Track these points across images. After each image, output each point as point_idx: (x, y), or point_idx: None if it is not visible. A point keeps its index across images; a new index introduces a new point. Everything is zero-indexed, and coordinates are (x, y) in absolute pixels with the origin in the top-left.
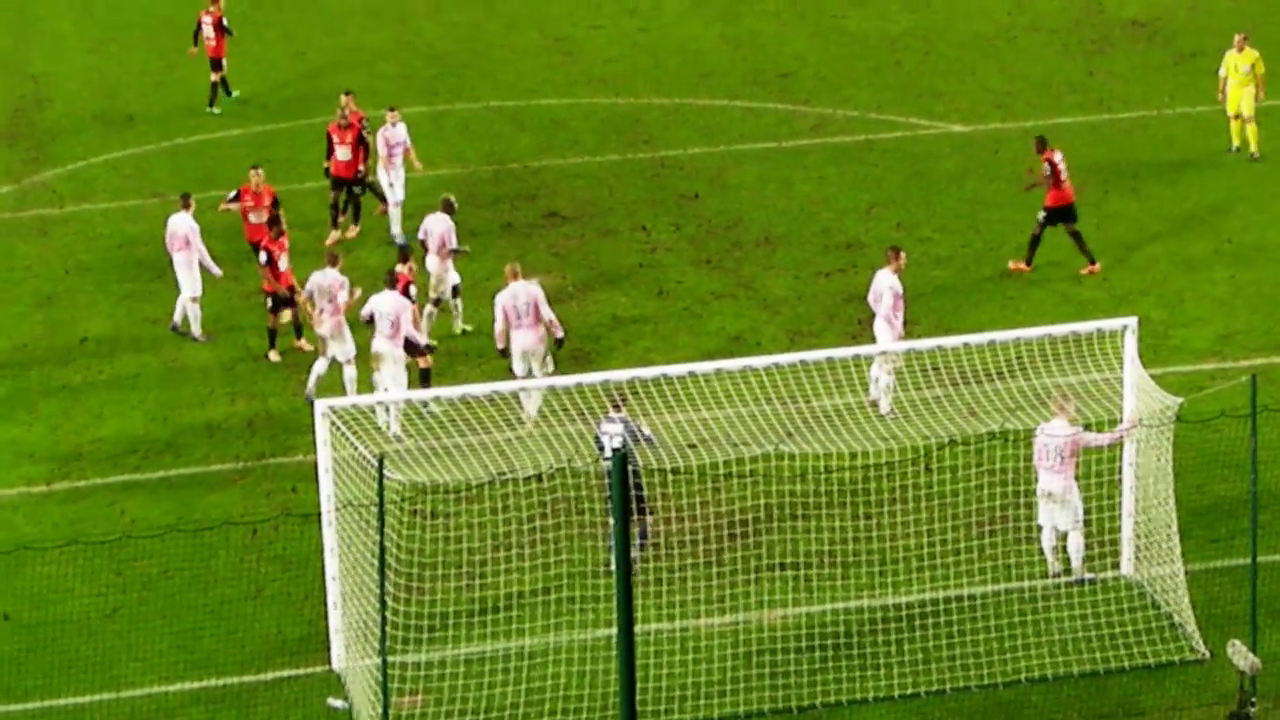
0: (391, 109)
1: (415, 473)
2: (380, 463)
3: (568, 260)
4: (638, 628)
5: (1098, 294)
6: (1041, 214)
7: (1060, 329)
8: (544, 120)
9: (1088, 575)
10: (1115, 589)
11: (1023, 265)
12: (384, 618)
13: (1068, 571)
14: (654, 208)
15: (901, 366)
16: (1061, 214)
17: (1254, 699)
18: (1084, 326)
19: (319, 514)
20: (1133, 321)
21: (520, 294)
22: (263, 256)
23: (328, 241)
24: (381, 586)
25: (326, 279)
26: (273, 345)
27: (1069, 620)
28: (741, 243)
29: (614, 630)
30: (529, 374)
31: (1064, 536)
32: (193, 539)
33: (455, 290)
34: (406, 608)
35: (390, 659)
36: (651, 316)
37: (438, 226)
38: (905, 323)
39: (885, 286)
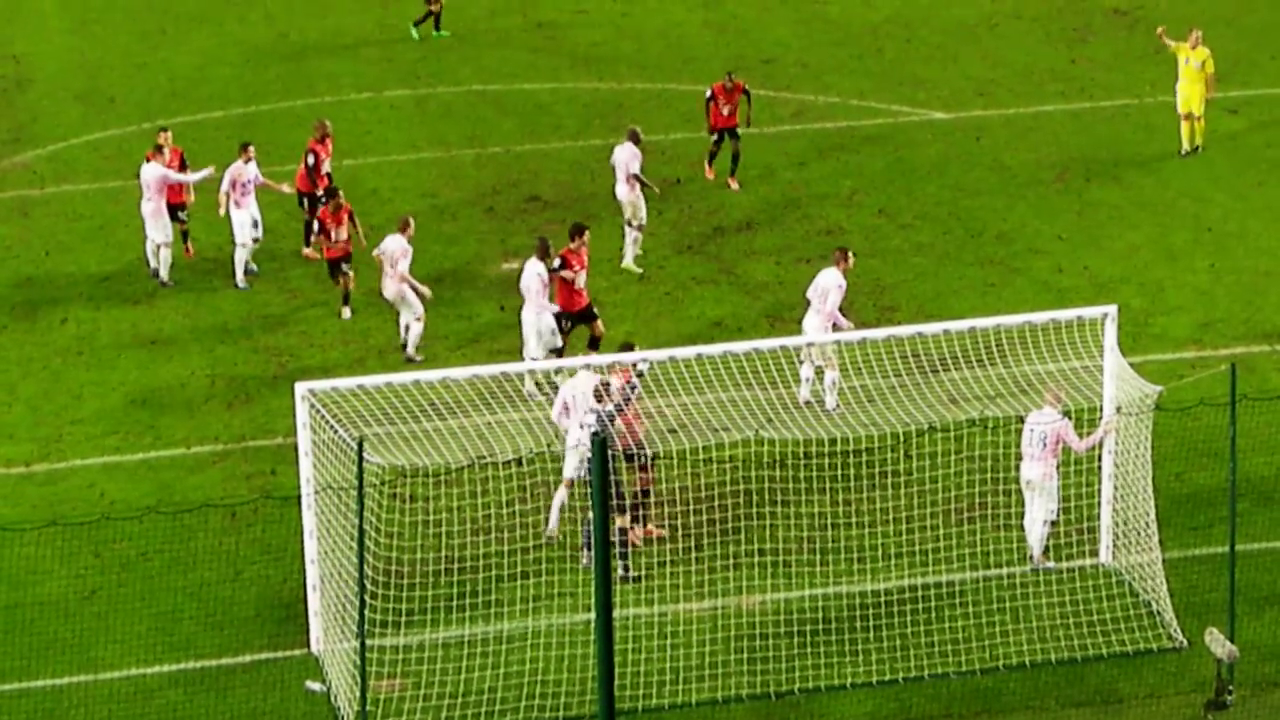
0: (245, 145)
1: (394, 456)
2: (360, 446)
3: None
4: (616, 613)
5: (1078, 281)
6: (714, 136)
7: (1040, 316)
8: (527, 104)
9: (1048, 564)
10: (1094, 576)
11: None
12: (362, 601)
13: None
14: None
15: (836, 364)
16: (729, 133)
17: (1231, 687)
18: (1064, 314)
19: (298, 497)
20: (1113, 309)
21: None
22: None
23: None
24: (360, 570)
25: (393, 244)
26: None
27: (1047, 607)
28: (723, 228)
29: (592, 615)
30: None
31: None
32: (172, 521)
33: (638, 224)
34: (385, 591)
35: (369, 642)
36: (632, 301)
37: (622, 155)
38: (846, 316)
39: (833, 284)
